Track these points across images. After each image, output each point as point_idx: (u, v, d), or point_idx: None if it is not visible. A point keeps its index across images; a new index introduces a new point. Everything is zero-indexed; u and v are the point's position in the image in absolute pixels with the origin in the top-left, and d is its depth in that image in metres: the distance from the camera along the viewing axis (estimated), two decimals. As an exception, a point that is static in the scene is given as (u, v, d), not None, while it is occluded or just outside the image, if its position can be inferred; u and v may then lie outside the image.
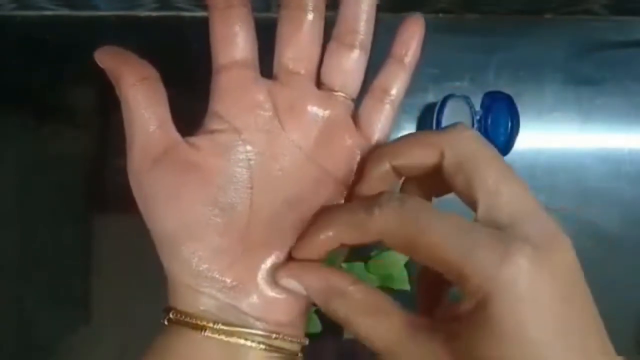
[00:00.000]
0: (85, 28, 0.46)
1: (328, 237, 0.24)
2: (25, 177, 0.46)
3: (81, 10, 0.45)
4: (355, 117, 0.28)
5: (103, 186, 0.46)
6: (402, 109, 0.47)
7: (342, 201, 0.27)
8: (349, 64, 0.27)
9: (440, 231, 0.21)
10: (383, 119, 0.28)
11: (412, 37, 0.27)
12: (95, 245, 0.46)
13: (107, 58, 0.26)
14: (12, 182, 0.46)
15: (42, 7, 0.45)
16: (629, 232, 0.48)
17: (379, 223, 0.22)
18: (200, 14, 0.46)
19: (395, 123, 0.50)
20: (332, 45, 0.27)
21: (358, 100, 0.28)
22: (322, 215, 0.24)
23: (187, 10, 0.45)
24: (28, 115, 0.46)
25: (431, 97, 0.47)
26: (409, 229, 0.21)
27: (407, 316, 0.22)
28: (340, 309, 0.23)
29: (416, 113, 0.47)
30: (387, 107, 0.28)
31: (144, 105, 0.25)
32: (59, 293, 0.46)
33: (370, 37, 0.27)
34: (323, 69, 0.27)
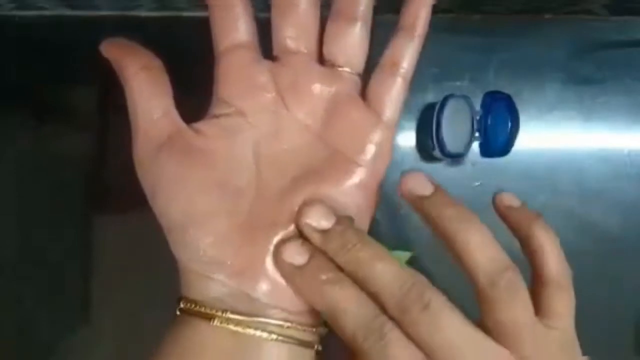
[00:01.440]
0: (85, 28, 0.46)
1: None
2: (25, 177, 0.46)
3: (81, 10, 0.45)
4: (364, 92, 0.27)
5: (103, 186, 0.46)
6: (402, 108, 0.47)
7: (353, 179, 0.26)
8: (352, 38, 0.26)
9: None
10: (394, 93, 0.26)
11: (420, 6, 0.26)
12: (95, 245, 0.46)
13: (111, 48, 0.26)
14: (12, 182, 0.46)
15: (42, 7, 0.45)
16: (629, 233, 0.48)
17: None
18: (200, 14, 0.46)
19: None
20: (332, 20, 0.26)
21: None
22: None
23: (187, 10, 0.45)
24: (28, 115, 0.46)
25: (431, 97, 0.47)
26: None
27: None
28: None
29: (416, 113, 0.47)
30: (399, 80, 0.26)
31: (147, 94, 0.25)
32: (59, 293, 0.45)
33: (370, 9, 0.26)
34: (325, 45, 0.26)
